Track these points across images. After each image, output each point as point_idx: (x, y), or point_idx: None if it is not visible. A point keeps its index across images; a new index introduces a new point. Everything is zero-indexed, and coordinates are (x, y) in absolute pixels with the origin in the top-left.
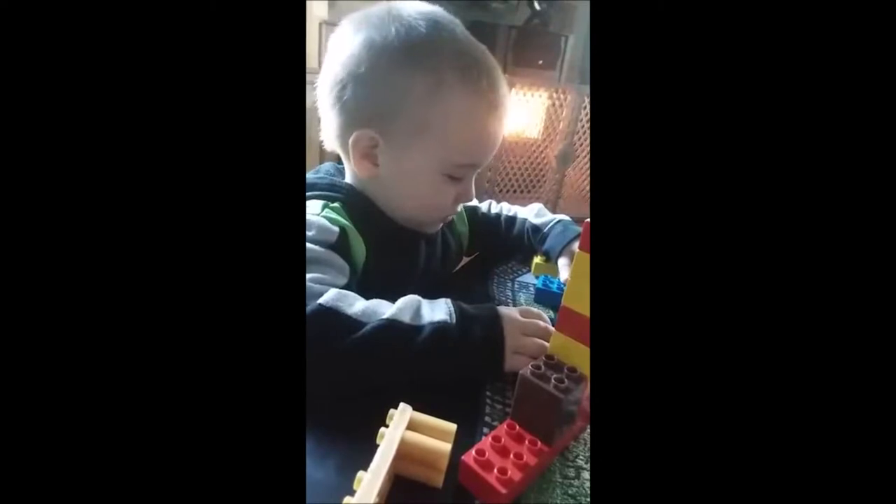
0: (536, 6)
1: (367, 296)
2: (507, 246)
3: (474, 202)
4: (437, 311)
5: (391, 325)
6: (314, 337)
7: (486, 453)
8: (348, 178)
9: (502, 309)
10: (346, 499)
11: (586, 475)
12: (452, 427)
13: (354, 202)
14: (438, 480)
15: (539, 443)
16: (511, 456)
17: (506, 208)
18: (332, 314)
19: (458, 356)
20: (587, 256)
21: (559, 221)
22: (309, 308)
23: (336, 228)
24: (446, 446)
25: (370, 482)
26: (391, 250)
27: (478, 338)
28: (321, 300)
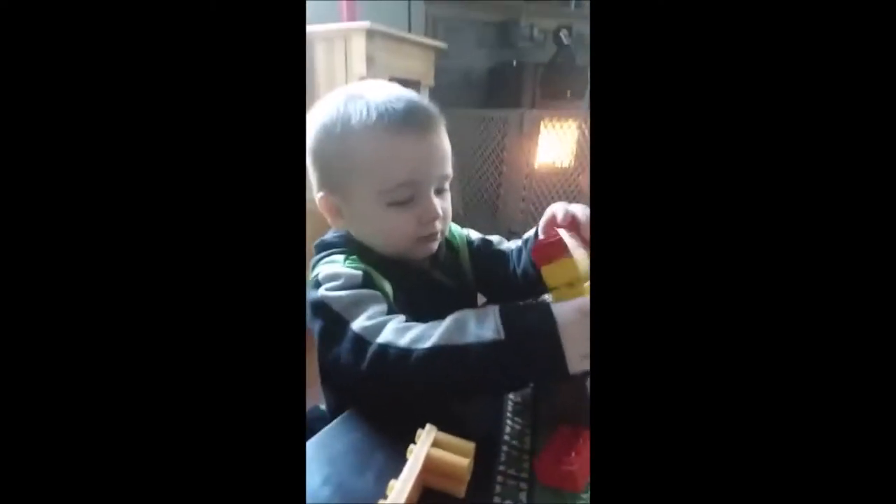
0: (563, 41)
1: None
2: (517, 278)
3: (493, 237)
4: (485, 326)
5: (437, 351)
6: (376, 373)
7: (555, 451)
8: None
9: (559, 312)
10: (380, 501)
11: None
12: (471, 445)
13: (364, 252)
14: (461, 491)
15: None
16: (575, 450)
17: (509, 243)
18: (389, 349)
19: (512, 376)
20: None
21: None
22: (370, 349)
23: (359, 272)
24: (466, 461)
25: (399, 489)
26: (411, 284)
27: (532, 357)
28: (379, 339)
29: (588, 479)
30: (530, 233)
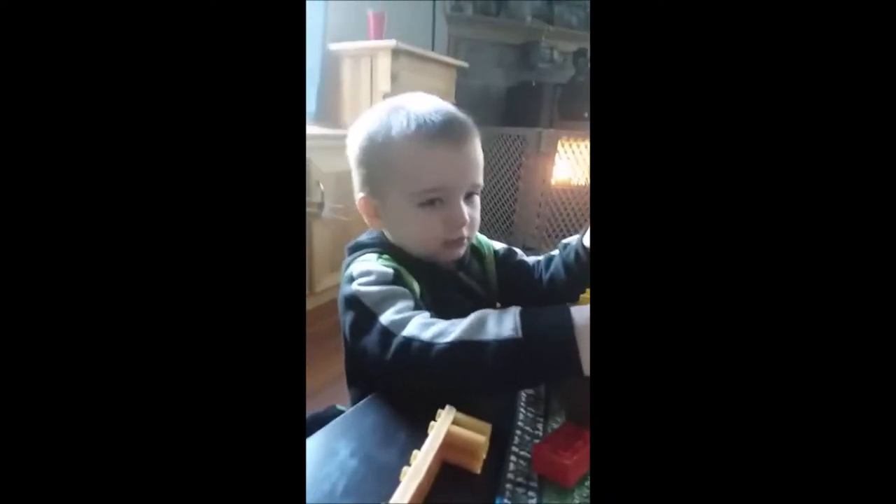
0: (582, 64)
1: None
2: (541, 286)
3: (517, 250)
4: (504, 324)
5: (458, 346)
6: (399, 364)
7: (554, 443)
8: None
9: (577, 315)
10: (404, 468)
11: None
12: (488, 426)
13: (396, 252)
14: (477, 467)
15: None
16: (574, 447)
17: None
18: (413, 342)
19: (527, 374)
20: None
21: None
22: (395, 341)
23: (390, 270)
24: (483, 438)
25: (422, 459)
26: (438, 285)
27: (548, 356)
28: (404, 332)
29: (579, 478)
30: (569, 239)
